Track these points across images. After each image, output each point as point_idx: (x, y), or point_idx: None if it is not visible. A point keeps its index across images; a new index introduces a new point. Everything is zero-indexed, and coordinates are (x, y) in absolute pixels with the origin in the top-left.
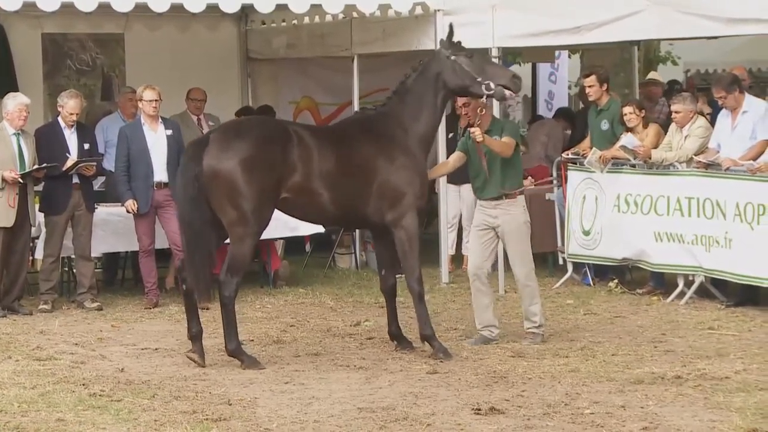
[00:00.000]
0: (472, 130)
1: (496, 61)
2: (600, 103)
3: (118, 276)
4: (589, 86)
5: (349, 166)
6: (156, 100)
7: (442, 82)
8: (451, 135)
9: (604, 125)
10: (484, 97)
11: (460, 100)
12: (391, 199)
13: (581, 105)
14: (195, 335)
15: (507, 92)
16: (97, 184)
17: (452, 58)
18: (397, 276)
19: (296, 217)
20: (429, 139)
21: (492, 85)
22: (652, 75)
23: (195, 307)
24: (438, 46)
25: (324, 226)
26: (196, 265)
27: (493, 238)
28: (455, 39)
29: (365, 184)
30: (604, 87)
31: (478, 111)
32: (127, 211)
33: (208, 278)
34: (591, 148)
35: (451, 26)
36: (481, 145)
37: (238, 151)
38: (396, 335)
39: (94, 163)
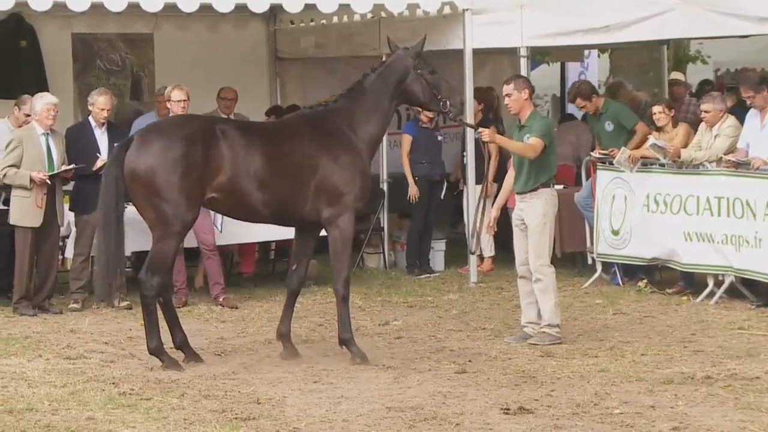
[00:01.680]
0: (480, 130)
1: (524, 61)
2: (597, 109)
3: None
4: (582, 107)
5: (284, 163)
6: (184, 100)
7: (402, 90)
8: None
9: (609, 126)
10: (439, 113)
11: (506, 89)
12: (330, 197)
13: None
14: (180, 343)
15: (454, 111)
16: None
17: (419, 71)
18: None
19: (229, 216)
20: (376, 141)
21: (448, 104)
22: (674, 75)
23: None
24: (392, 50)
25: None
26: (105, 264)
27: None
28: (408, 44)
29: (303, 183)
30: (594, 98)
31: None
32: None
33: (115, 280)
34: (612, 148)
35: (424, 37)
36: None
37: (156, 151)
38: (284, 336)
39: None
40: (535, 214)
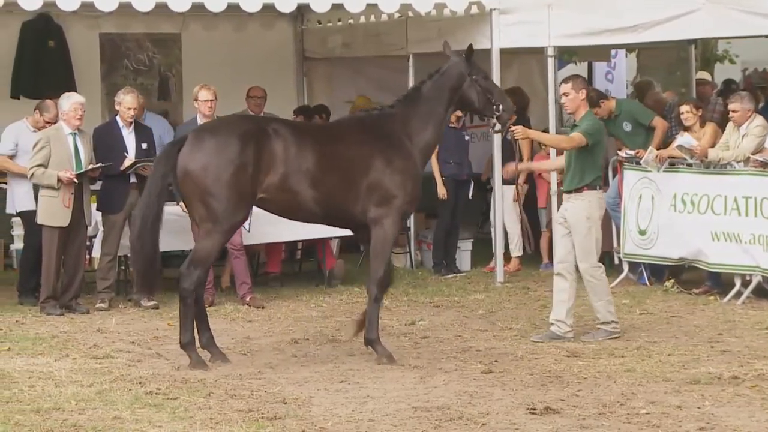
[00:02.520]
0: (512, 128)
1: (551, 60)
2: (610, 113)
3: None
4: (594, 114)
5: (335, 163)
6: (212, 100)
7: (459, 97)
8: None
9: (627, 126)
10: (492, 117)
11: (563, 88)
12: (380, 198)
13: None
14: (206, 342)
15: (506, 116)
16: None
17: (474, 77)
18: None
19: (280, 216)
20: (431, 149)
21: (501, 108)
22: (700, 75)
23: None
24: (457, 59)
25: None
26: (141, 258)
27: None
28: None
29: (354, 183)
30: (603, 104)
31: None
32: (183, 210)
33: (152, 273)
34: (638, 149)
35: (470, 46)
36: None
37: (210, 150)
38: (371, 342)
39: (152, 163)
40: (578, 215)
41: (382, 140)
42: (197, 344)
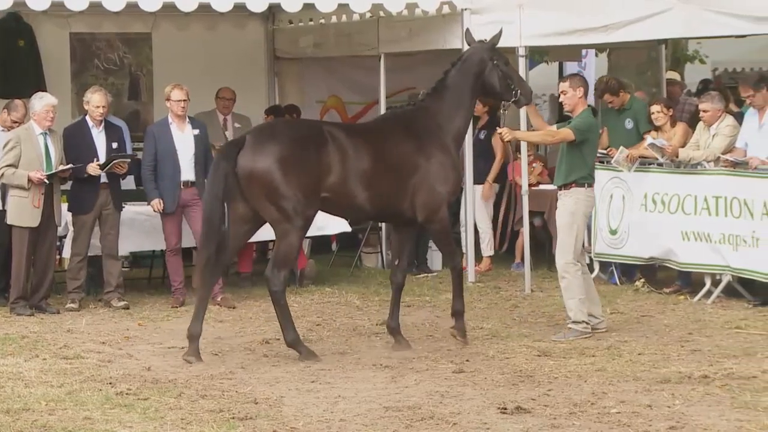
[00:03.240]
0: (500, 130)
1: (522, 60)
2: (623, 104)
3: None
4: (610, 102)
5: (385, 164)
6: (184, 100)
7: (481, 83)
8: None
9: (629, 124)
10: (509, 102)
11: (561, 87)
12: (427, 194)
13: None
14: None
15: (524, 99)
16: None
17: (495, 62)
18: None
19: (336, 215)
20: (462, 135)
21: (519, 93)
22: (669, 75)
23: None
24: (476, 45)
25: (360, 222)
26: (204, 259)
27: None
28: (479, 37)
29: (402, 181)
30: (621, 93)
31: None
32: (154, 210)
33: (212, 269)
34: (610, 147)
35: (501, 31)
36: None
37: (273, 152)
38: (395, 330)
39: (128, 160)
40: (564, 212)
41: (420, 136)
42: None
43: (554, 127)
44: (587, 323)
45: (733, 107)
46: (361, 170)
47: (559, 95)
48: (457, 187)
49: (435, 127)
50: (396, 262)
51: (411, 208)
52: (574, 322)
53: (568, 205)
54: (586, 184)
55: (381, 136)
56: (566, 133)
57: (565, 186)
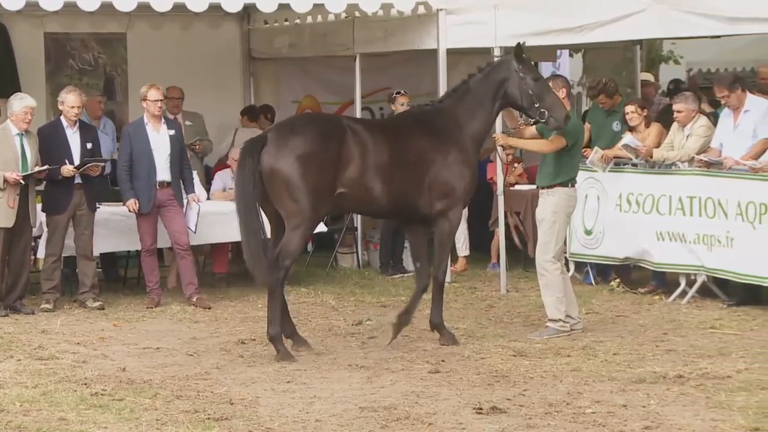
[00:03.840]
0: (495, 135)
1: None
2: (614, 106)
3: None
4: (602, 103)
5: (402, 160)
6: (161, 100)
7: (504, 92)
8: None
9: (616, 126)
10: (533, 121)
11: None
12: (442, 191)
13: (587, 104)
14: (289, 332)
15: (557, 124)
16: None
17: (522, 75)
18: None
19: (352, 212)
20: (482, 137)
21: (546, 115)
22: (643, 76)
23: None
24: (506, 55)
25: (376, 218)
26: (253, 252)
27: None
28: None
29: (418, 178)
30: (615, 97)
31: (519, 125)
32: (129, 211)
33: (265, 263)
34: (585, 148)
35: (518, 45)
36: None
37: (294, 148)
38: (438, 326)
39: (102, 164)
40: (546, 210)
41: (438, 135)
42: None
43: (530, 129)
44: (564, 321)
45: (706, 107)
46: (378, 165)
47: None
48: (473, 186)
49: (453, 127)
50: (417, 265)
51: (426, 205)
52: (551, 320)
53: (551, 203)
54: (569, 184)
55: (399, 132)
56: (560, 141)
57: (550, 186)
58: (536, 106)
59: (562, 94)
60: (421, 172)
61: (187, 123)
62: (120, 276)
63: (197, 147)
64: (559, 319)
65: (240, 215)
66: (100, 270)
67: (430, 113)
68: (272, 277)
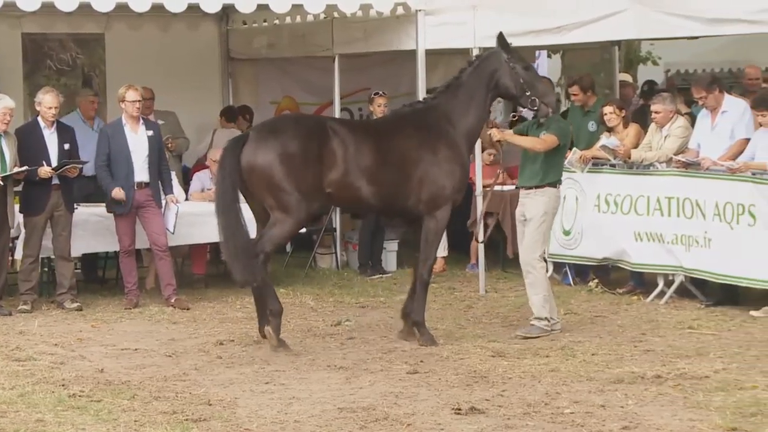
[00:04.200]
0: (490, 131)
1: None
2: (587, 105)
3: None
4: (574, 95)
5: (390, 158)
6: (140, 101)
7: (495, 83)
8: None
9: (592, 126)
10: (525, 109)
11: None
12: (431, 189)
13: (566, 105)
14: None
15: (549, 110)
16: None
17: (512, 65)
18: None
19: (343, 210)
20: (475, 134)
21: (537, 102)
22: (622, 76)
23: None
24: (495, 45)
25: (364, 216)
26: (231, 251)
27: None
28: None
29: (408, 176)
30: (588, 93)
31: (511, 117)
32: (116, 200)
33: (244, 263)
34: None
35: (500, 34)
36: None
37: (274, 147)
38: (418, 324)
39: (81, 166)
40: (536, 210)
41: (428, 133)
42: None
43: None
44: (548, 320)
45: (682, 108)
46: (362, 165)
47: None
48: (463, 184)
49: (445, 124)
50: (417, 255)
51: (416, 203)
52: (537, 318)
53: (541, 203)
54: (557, 184)
55: (386, 132)
56: (553, 140)
57: (538, 186)
58: (527, 94)
59: None
60: (410, 171)
61: (160, 122)
62: (99, 277)
63: (169, 145)
64: (545, 318)
65: (218, 215)
66: (78, 271)
67: (421, 111)
68: (251, 277)
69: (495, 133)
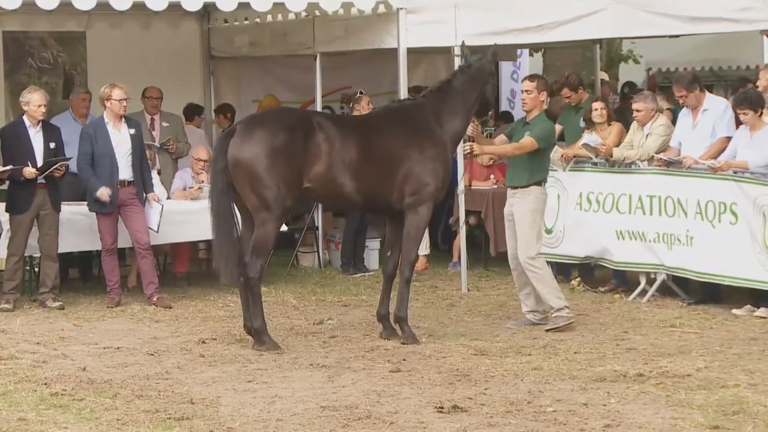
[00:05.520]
0: (465, 146)
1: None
2: (581, 102)
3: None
4: (567, 97)
5: (375, 154)
6: (126, 99)
7: (482, 93)
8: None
9: (582, 123)
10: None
11: (526, 85)
12: (415, 185)
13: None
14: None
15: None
16: None
17: (492, 81)
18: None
19: (323, 204)
20: (459, 138)
21: (491, 122)
22: (601, 75)
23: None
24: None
25: (346, 214)
26: (222, 250)
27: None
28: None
29: (392, 172)
30: (579, 90)
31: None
32: (102, 200)
33: (234, 263)
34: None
35: (494, 48)
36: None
37: (259, 140)
38: (384, 318)
39: (66, 163)
40: (524, 209)
41: (415, 130)
42: (244, 328)
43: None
44: (568, 308)
45: (664, 104)
46: (347, 160)
47: (522, 92)
48: (445, 183)
49: (433, 123)
50: (389, 253)
51: (400, 200)
52: (557, 310)
53: (530, 202)
54: (543, 183)
55: (373, 127)
56: (531, 144)
57: (524, 186)
58: (491, 112)
59: (542, 96)
60: (395, 167)
61: (164, 124)
62: (95, 276)
63: (171, 147)
64: (564, 307)
65: (212, 214)
66: (63, 271)
67: (409, 108)
68: (238, 278)
69: (474, 148)
